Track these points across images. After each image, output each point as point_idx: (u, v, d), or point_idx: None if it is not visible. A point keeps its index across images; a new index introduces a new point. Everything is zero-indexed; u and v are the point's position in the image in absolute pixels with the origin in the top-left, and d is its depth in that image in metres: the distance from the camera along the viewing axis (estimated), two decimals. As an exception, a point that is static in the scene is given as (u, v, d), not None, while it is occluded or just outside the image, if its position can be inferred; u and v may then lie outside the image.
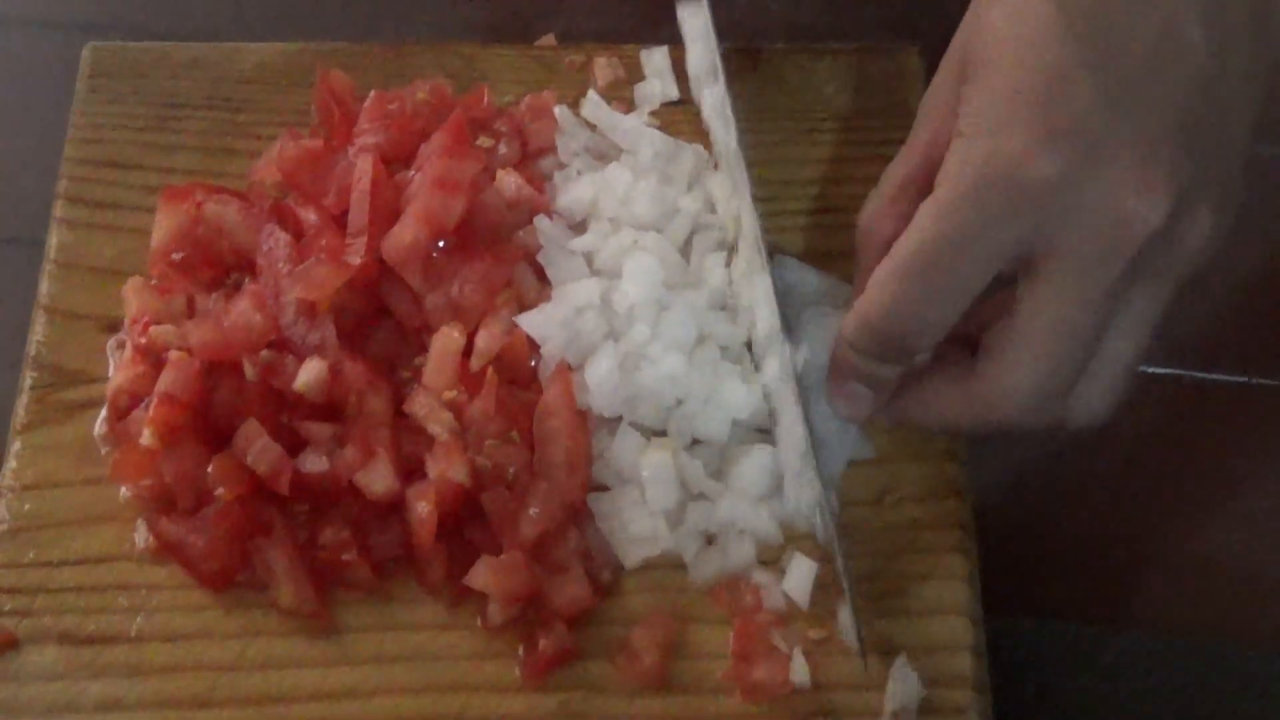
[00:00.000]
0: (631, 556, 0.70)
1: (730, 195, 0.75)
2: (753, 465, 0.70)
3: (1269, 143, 0.82)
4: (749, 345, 0.73)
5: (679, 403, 0.71)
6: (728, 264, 0.74)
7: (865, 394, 0.68)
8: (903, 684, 0.66)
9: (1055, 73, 0.62)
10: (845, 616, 0.68)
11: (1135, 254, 0.62)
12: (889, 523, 0.70)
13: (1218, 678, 0.72)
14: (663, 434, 0.71)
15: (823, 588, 0.69)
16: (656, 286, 0.71)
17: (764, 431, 0.72)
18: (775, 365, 0.70)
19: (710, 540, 0.70)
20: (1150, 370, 0.80)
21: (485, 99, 0.78)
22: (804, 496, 0.69)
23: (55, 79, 0.86)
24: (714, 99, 0.77)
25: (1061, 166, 0.61)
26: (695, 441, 0.72)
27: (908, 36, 0.84)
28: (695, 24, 0.78)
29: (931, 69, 0.77)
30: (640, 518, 0.70)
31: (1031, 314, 0.62)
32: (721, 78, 0.75)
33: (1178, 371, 0.80)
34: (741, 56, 0.81)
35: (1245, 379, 0.80)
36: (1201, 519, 0.77)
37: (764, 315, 0.71)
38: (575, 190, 0.76)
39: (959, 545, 0.70)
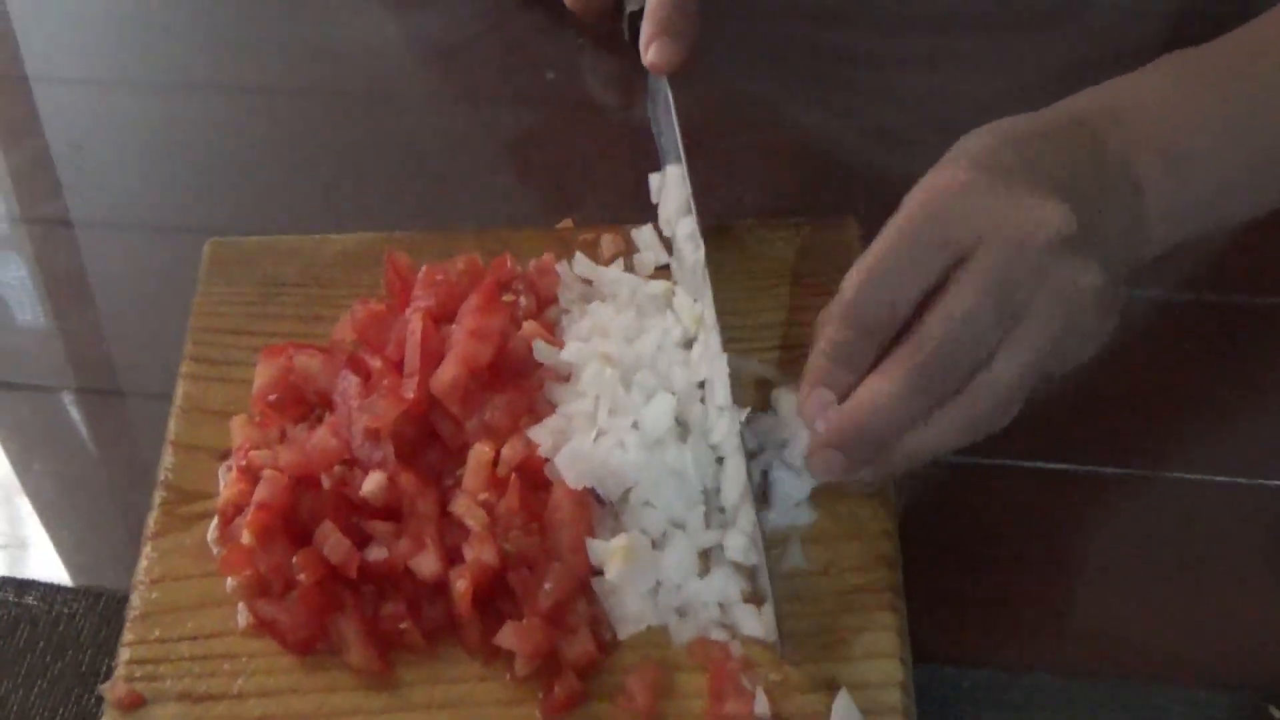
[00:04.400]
0: (624, 631, 0.75)
1: (694, 303, 0.82)
2: (677, 552, 0.76)
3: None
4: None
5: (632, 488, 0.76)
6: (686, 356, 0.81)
7: (838, 458, 0.74)
8: (844, 713, 0.71)
9: (984, 151, 0.74)
10: (768, 612, 0.74)
11: (1043, 249, 0.70)
12: (834, 588, 0.75)
13: (1095, 708, 0.75)
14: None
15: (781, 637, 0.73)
16: (622, 393, 0.78)
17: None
18: (725, 425, 0.77)
19: (682, 613, 0.76)
20: (1046, 466, 0.84)
21: (509, 263, 0.86)
22: (744, 523, 0.75)
23: (173, 272, 0.92)
24: (686, 228, 0.85)
25: (983, 184, 0.71)
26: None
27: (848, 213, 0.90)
28: (673, 175, 0.87)
29: (866, 238, 0.85)
30: (630, 600, 0.75)
31: (957, 289, 0.71)
32: (693, 209, 0.84)
33: (1068, 466, 0.84)
34: (717, 231, 0.88)
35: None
36: (1087, 588, 0.81)
37: (719, 388, 0.78)
38: (574, 328, 0.83)
39: (890, 605, 0.75)
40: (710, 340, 0.80)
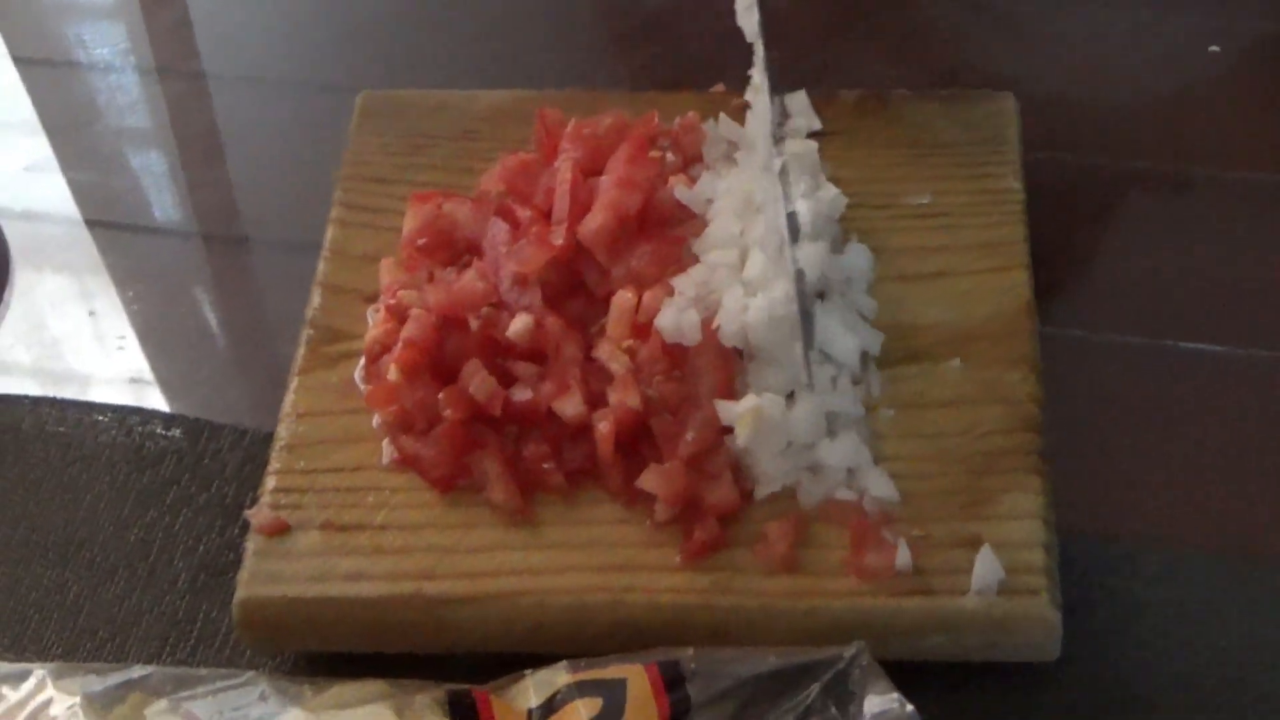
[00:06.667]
0: (761, 491, 0.75)
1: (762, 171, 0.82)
2: (805, 411, 0.76)
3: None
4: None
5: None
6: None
7: None
8: (987, 568, 0.71)
9: None
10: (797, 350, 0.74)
11: None
12: (978, 450, 0.75)
13: (1234, 583, 0.76)
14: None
15: (921, 495, 0.74)
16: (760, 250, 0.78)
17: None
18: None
19: (814, 471, 0.75)
20: (1191, 346, 0.84)
21: (655, 120, 0.86)
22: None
23: (313, 128, 0.96)
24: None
25: None
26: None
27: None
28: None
29: (1024, 112, 0.85)
30: (763, 460, 0.75)
31: None
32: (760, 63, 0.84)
33: (1211, 347, 0.84)
34: (873, 99, 0.89)
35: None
36: (1227, 470, 0.80)
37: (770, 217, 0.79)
38: (718, 184, 0.83)
39: (1035, 467, 0.74)
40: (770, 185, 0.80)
